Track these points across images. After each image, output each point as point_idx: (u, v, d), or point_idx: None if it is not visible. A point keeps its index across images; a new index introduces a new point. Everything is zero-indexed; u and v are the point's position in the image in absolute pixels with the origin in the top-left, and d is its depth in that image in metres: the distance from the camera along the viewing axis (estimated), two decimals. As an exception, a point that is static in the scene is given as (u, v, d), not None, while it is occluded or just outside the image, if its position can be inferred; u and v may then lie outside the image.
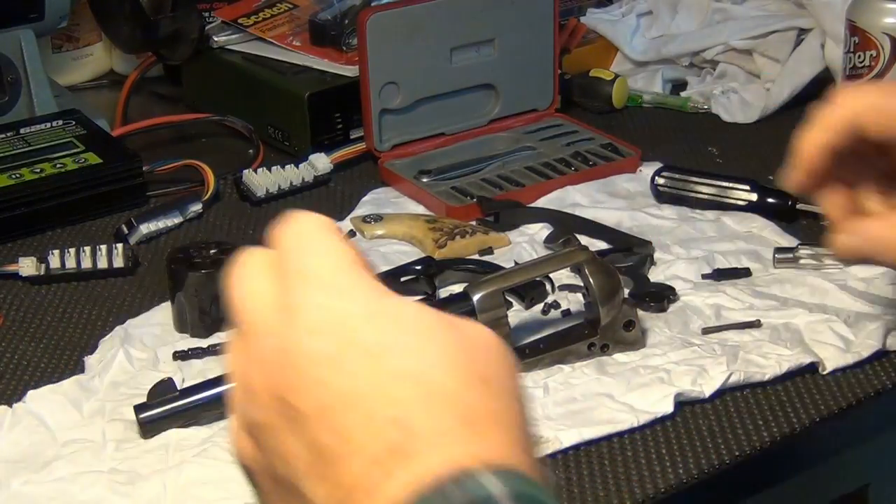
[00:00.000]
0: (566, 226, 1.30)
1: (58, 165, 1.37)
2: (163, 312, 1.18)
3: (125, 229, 1.32)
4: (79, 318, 1.20)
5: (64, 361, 1.13)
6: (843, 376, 1.09)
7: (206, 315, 1.14)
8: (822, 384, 1.08)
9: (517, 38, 1.48)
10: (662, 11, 1.69)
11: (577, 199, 1.37)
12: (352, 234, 1.32)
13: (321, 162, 1.43)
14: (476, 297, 1.06)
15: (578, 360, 1.10)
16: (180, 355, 1.11)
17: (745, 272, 1.23)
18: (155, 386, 1.03)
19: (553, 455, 0.99)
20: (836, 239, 1.00)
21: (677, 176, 1.37)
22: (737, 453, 1.00)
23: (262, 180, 1.40)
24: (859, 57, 1.40)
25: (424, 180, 1.41)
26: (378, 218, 1.33)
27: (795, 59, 1.58)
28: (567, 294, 1.19)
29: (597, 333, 1.10)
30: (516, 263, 1.18)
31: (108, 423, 1.03)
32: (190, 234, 1.35)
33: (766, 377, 1.07)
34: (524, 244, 1.29)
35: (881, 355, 1.11)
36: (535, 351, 1.10)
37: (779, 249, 1.25)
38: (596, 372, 1.08)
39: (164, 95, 1.70)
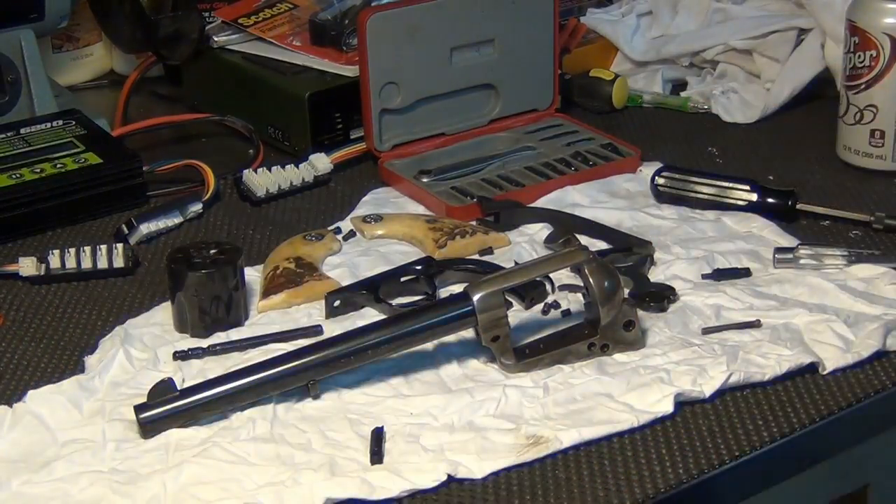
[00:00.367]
0: (566, 226, 1.30)
1: (58, 165, 1.37)
2: (163, 312, 1.18)
3: (125, 229, 1.32)
4: (79, 318, 1.20)
5: (64, 361, 1.13)
6: (843, 376, 1.09)
7: (206, 315, 1.14)
8: (822, 384, 1.08)
9: (517, 38, 1.48)
10: (662, 11, 1.69)
11: (577, 199, 1.37)
12: (352, 234, 1.32)
13: (321, 162, 1.43)
14: (476, 297, 1.07)
15: (578, 360, 1.10)
16: (180, 355, 1.11)
17: (745, 272, 1.23)
18: (155, 386, 1.03)
19: (553, 455, 0.99)
20: None
21: (677, 176, 1.37)
22: (737, 453, 1.00)
23: (262, 180, 1.40)
24: (859, 57, 1.40)
25: (424, 180, 1.41)
26: (378, 218, 1.33)
27: (795, 59, 1.58)
28: (567, 294, 1.19)
29: (597, 333, 1.10)
30: (516, 263, 1.18)
31: (108, 423, 1.03)
32: (190, 234, 1.35)
33: (766, 377, 1.08)
34: (524, 244, 1.29)
35: (881, 355, 1.11)
36: (535, 351, 1.10)
37: (779, 249, 1.25)
38: (596, 372, 1.08)
39: (164, 95, 1.70)
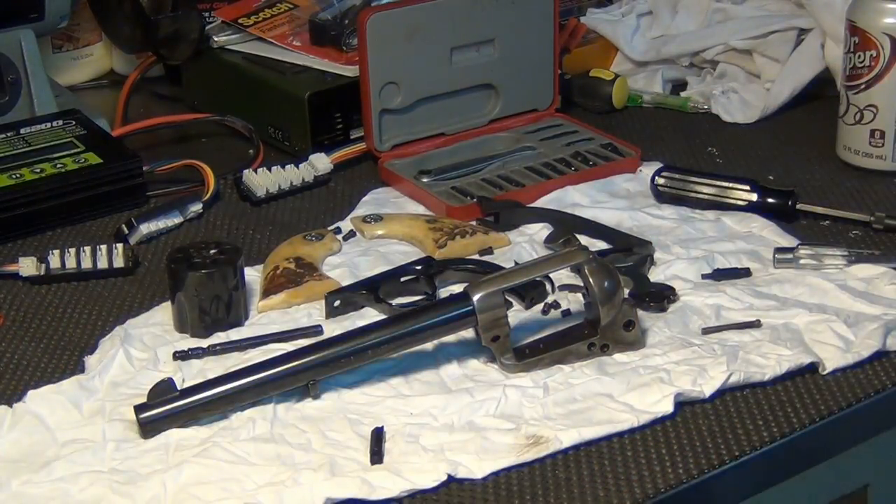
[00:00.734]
0: (566, 226, 1.30)
1: (58, 165, 1.37)
2: (163, 312, 1.18)
3: (125, 229, 1.32)
4: (79, 318, 1.20)
5: (64, 361, 1.13)
6: (843, 376, 1.09)
7: (206, 315, 1.14)
8: (822, 384, 1.08)
9: (517, 38, 1.48)
10: (662, 11, 1.69)
11: (577, 199, 1.37)
12: (352, 234, 1.32)
13: (321, 162, 1.43)
14: (476, 297, 1.07)
15: (578, 360, 1.10)
16: (180, 355, 1.11)
17: (745, 272, 1.23)
18: (155, 386, 1.03)
19: (553, 455, 0.99)
20: None
21: (677, 176, 1.37)
22: (737, 453, 1.00)
23: (262, 180, 1.40)
24: (859, 57, 1.40)
25: (424, 180, 1.41)
26: (378, 218, 1.33)
27: (795, 59, 1.58)
28: (567, 294, 1.19)
29: (597, 333, 1.10)
30: (516, 263, 1.18)
31: (108, 423, 1.03)
32: (190, 234, 1.35)
33: (766, 377, 1.08)
34: (524, 244, 1.29)
35: (881, 355, 1.11)
36: (535, 351, 1.10)
37: (779, 249, 1.25)
38: (596, 372, 1.08)
39: (164, 95, 1.70)
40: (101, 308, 1.21)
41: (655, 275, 1.23)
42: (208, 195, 1.39)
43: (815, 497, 1.13)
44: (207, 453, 0.98)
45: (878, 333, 1.11)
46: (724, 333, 1.13)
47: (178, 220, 1.36)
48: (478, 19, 1.45)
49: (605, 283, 1.09)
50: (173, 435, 1.01)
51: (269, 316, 1.18)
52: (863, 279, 1.21)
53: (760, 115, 1.58)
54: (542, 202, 1.37)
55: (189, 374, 1.09)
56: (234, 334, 1.14)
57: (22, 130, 1.43)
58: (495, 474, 0.98)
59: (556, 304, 1.18)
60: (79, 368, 1.12)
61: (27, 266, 1.25)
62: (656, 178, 1.37)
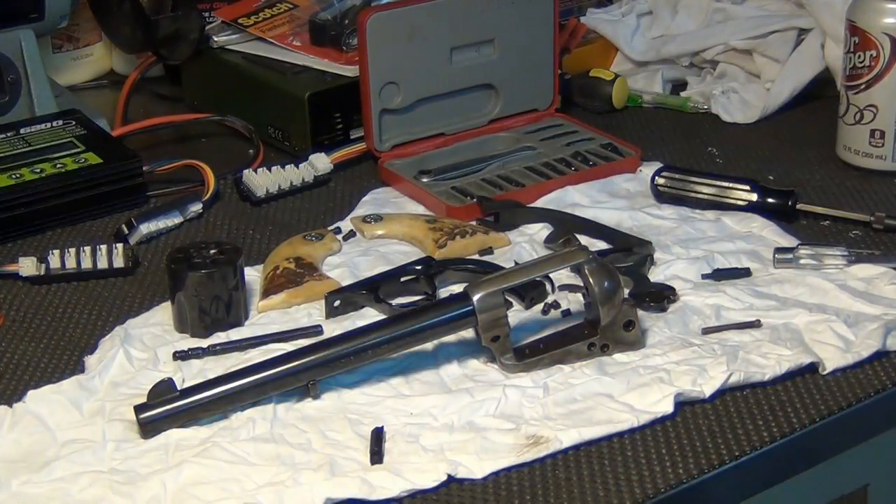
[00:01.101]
0: (566, 226, 1.30)
1: (58, 165, 1.37)
2: (163, 312, 1.18)
3: (125, 229, 1.32)
4: (79, 318, 1.20)
5: (64, 361, 1.13)
6: (843, 376, 1.09)
7: (206, 315, 1.14)
8: (822, 384, 1.08)
9: (517, 38, 1.48)
10: (662, 11, 1.69)
11: (577, 199, 1.37)
12: (352, 234, 1.32)
13: (321, 162, 1.43)
14: (476, 297, 1.07)
15: (578, 360, 1.10)
16: (180, 355, 1.11)
17: (745, 272, 1.23)
18: (155, 386, 1.03)
19: (553, 455, 0.99)
20: None
21: (677, 176, 1.37)
22: (737, 453, 1.00)
23: (262, 180, 1.40)
24: (859, 57, 1.40)
25: (424, 180, 1.41)
26: (378, 218, 1.33)
27: (795, 59, 1.58)
28: (567, 294, 1.19)
29: (597, 333, 1.10)
30: (516, 263, 1.18)
31: (108, 423, 1.03)
32: (190, 234, 1.35)
33: (766, 377, 1.08)
34: (524, 244, 1.29)
35: (881, 355, 1.11)
36: (535, 351, 1.10)
37: (779, 249, 1.25)
38: (596, 372, 1.08)
39: (164, 95, 1.70)
40: (101, 308, 1.21)
41: (655, 275, 1.23)
42: (208, 195, 1.39)
43: (815, 497, 1.13)
44: (207, 453, 0.98)
45: (878, 333, 1.11)
46: (724, 333, 1.13)
47: (178, 220, 1.36)
48: (478, 19, 1.45)
49: (605, 283, 1.09)
50: (173, 435, 1.01)
51: (269, 316, 1.18)
52: (863, 279, 1.21)
53: (760, 115, 1.58)
54: (542, 202, 1.37)
55: (189, 374, 1.09)
56: (234, 334, 1.14)
57: (22, 130, 1.43)
58: (495, 474, 0.98)
59: (556, 304, 1.18)
60: (79, 368, 1.11)
61: (27, 266, 1.25)
62: (656, 178, 1.37)
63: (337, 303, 1.18)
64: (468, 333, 1.10)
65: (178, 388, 1.03)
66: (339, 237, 1.31)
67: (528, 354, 1.09)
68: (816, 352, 1.10)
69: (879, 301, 1.17)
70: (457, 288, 1.20)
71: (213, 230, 1.36)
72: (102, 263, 1.25)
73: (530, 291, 1.17)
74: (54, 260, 1.25)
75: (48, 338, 1.17)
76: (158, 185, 1.42)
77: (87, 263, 1.25)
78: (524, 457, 0.99)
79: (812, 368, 1.09)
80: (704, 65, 1.66)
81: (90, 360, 1.12)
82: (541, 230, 1.31)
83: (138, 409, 1.02)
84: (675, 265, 1.23)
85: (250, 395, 1.03)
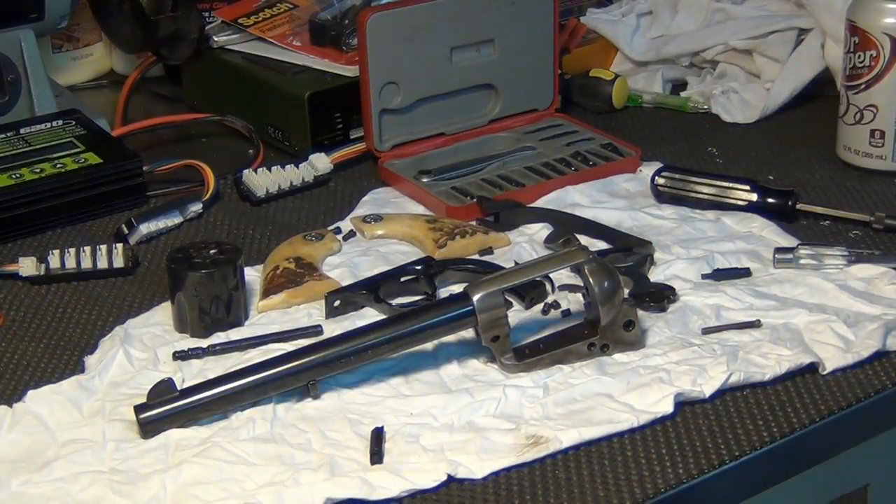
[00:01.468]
0: (566, 226, 1.30)
1: (58, 165, 1.37)
2: (163, 312, 1.18)
3: (125, 229, 1.32)
4: (79, 318, 1.20)
5: (64, 361, 1.13)
6: (843, 376, 1.09)
7: (206, 315, 1.14)
8: (822, 384, 1.08)
9: (517, 38, 1.48)
10: (662, 11, 1.69)
11: (577, 199, 1.37)
12: (352, 234, 1.32)
13: (321, 162, 1.43)
14: (476, 297, 1.07)
15: (578, 360, 1.10)
16: (180, 355, 1.11)
17: (745, 272, 1.23)
18: (155, 386, 1.03)
19: (553, 455, 0.99)
20: None
21: (677, 176, 1.37)
22: (737, 453, 1.00)
23: (262, 180, 1.40)
24: (859, 57, 1.40)
25: (424, 180, 1.41)
26: (378, 218, 1.33)
27: (795, 59, 1.58)
28: (567, 294, 1.19)
29: (597, 333, 1.10)
30: (516, 263, 1.18)
31: (108, 423, 1.03)
32: (190, 234, 1.35)
33: (766, 377, 1.08)
34: (524, 244, 1.29)
35: (881, 355, 1.11)
36: (535, 351, 1.10)
37: (779, 249, 1.25)
38: (596, 372, 1.08)
39: (164, 95, 1.70)
40: (101, 308, 1.21)
41: (655, 275, 1.23)
42: (208, 195, 1.39)
43: (815, 497, 1.13)
44: (207, 453, 0.98)
45: (878, 333, 1.11)
46: (724, 333, 1.13)
47: (178, 220, 1.36)
48: (478, 19, 1.45)
49: (605, 283, 1.09)
50: (173, 435, 1.01)
51: (269, 316, 1.18)
52: (863, 279, 1.21)
53: (760, 115, 1.58)
54: (542, 202, 1.37)
55: (189, 374, 1.09)
56: (234, 334, 1.14)
57: (22, 130, 1.43)
58: (495, 474, 0.98)
59: (556, 304, 1.18)
60: (79, 368, 1.12)
61: (27, 266, 1.25)
62: (656, 178, 1.37)
63: (337, 303, 1.18)
64: (468, 333, 1.10)
65: (178, 388, 1.03)
66: (339, 237, 1.31)
67: (528, 354, 1.09)
68: (816, 352, 1.10)
69: (879, 301, 1.17)
70: (457, 288, 1.20)
71: (213, 230, 1.36)
72: (102, 263, 1.25)
73: (530, 291, 1.17)
74: (54, 260, 1.25)
75: (48, 338, 1.17)
76: (158, 185, 1.42)
77: (87, 263, 1.25)
78: (524, 457, 0.99)
79: (812, 368, 1.09)
80: (704, 65, 1.66)
81: (90, 360, 1.12)
82: (541, 230, 1.31)
83: (138, 409, 1.02)
84: (675, 265, 1.23)
85: (250, 395, 1.03)
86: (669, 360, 1.09)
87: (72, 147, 1.40)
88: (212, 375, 1.06)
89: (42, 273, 1.25)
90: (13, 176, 1.35)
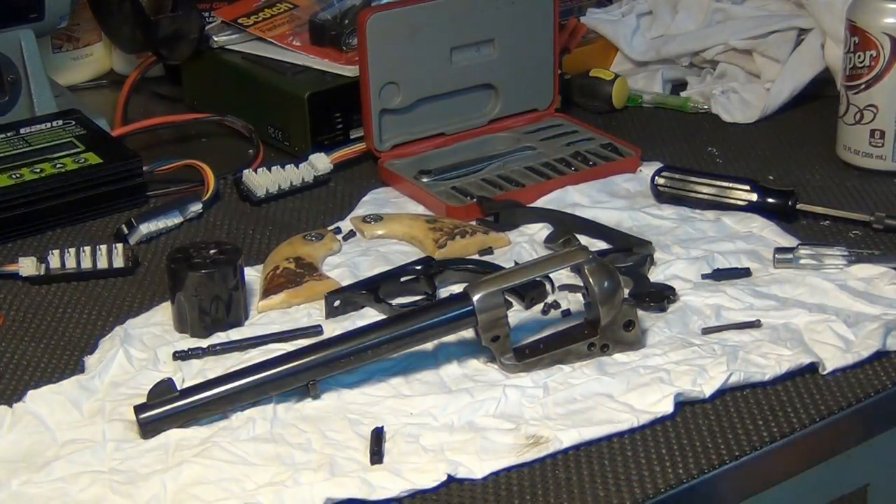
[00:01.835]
0: (566, 226, 1.30)
1: (58, 165, 1.37)
2: (163, 312, 1.18)
3: (125, 229, 1.32)
4: (79, 318, 1.20)
5: (64, 361, 1.13)
6: (843, 376, 1.09)
7: (206, 315, 1.14)
8: (822, 384, 1.08)
9: (517, 38, 1.48)
10: (662, 11, 1.69)
11: (577, 199, 1.37)
12: (352, 234, 1.32)
13: (321, 162, 1.43)
14: (476, 297, 1.07)
15: (578, 360, 1.10)
16: (180, 355, 1.11)
17: (745, 272, 1.23)
18: (155, 386, 1.03)
19: (553, 455, 0.99)
20: None
21: (677, 176, 1.37)
22: (737, 453, 1.00)
23: (262, 180, 1.40)
24: (859, 57, 1.40)
25: (424, 180, 1.41)
26: (378, 218, 1.33)
27: (795, 59, 1.58)
28: (567, 294, 1.19)
29: (597, 333, 1.10)
30: (516, 263, 1.18)
31: (108, 423, 1.03)
32: (190, 234, 1.35)
33: (766, 377, 1.08)
34: (524, 244, 1.29)
35: (881, 355, 1.11)
36: (535, 351, 1.10)
37: (779, 249, 1.25)
38: (596, 372, 1.08)
39: (164, 95, 1.70)
40: (101, 308, 1.21)
41: (655, 275, 1.23)
42: (208, 195, 1.39)
43: (815, 497, 1.13)
44: (207, 453, 0.98)
45: (878, 333, 1.11)
46: (724, 333, 1.13)
47: (178, 220, 1.36)
48: (478, 19, 1.45)
49: (605, 283, 1.09)
50: (173, 435, 1.01)
51: (269, 316, 1.18)
52: (863, 279, 1.21)
53: (760, 115, 1.58)
54: (542, 202, 1.37)
55: (189, 374, 1.09)
56: (234, 334, 1.14)
57: (22, 130, 1.43)
58: (495, 474, 0.98)
59: (556, 304, 1.18)
60: (79, 368, 1.12)
61: (27, 266, 1.25)
62: (656, 178, 1.37)
63: (337, 303, 1.18)
64: (468, 333, 1.10)
65: (178, 388, 1.03)
66: (339, 237, 1.31)
67: (528, 354, 1.09)
68: (816, 352, 1.10)
69: (879, 301, 1.17)
70: (457, 288, 1.20)
71: (213, 230, 1.36)
72: (102, 263, 1.25)
73: (530, 291, 1.17)
74: (54, 260, 1.25)
75: (48, 338, 1.17)
76: (158, 185, 1.42)
77: (86, 263, 1.25)
78: (524, 457, 0.99)
79: (812, 368, 1.09)
80: (704, 65, 1.66)
81: (90, 360, 1.12)
82: (541, 230, 1.31)
83: (138, 409, 1.02)
84: (675, 265, 1.23)
85: (250, 395, 1.03)
86: (669, 360, 1.09)
87: (72, 147, 1.40)
88: (212, 375, 1.06)
89: (42, 273, 1.25)
90: (13, 176, 1.35)
